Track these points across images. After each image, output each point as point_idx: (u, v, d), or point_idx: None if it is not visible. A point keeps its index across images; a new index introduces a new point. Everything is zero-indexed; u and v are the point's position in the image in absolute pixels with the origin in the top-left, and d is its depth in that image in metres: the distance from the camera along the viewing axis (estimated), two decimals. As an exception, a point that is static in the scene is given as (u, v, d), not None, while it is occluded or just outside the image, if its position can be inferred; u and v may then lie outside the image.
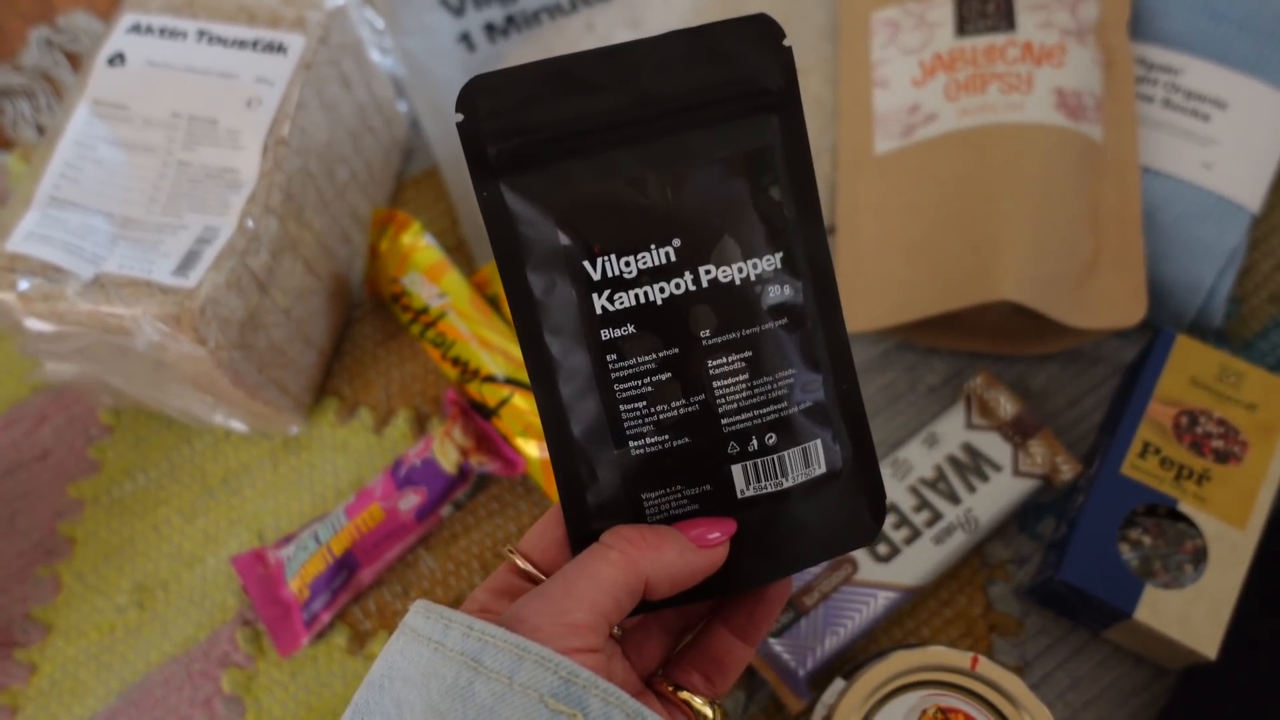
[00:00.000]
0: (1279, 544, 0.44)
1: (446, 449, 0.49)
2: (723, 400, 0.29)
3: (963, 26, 0.54)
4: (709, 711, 0.31)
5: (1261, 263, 0.53)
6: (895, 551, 0.45)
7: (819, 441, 0.30)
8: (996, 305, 0.48)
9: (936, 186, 0.51)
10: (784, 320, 0.29)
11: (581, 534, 0.30)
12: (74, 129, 0.47)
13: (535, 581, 0.30)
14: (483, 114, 0.28)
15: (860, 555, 0.45)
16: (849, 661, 0.45)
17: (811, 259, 0.30)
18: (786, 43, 0.29)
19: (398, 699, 0.25)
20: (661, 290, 0.28)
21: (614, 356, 0.29)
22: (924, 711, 0.36)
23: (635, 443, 0.29)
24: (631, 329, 0.29)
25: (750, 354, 0.29)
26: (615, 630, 0.30)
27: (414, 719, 0.25)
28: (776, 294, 0.29)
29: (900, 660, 0.37)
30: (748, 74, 0.29)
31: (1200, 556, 0.42)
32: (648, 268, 0.28)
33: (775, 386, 0.29)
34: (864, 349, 0.52)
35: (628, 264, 0.28)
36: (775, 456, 0.29)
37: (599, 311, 0.29)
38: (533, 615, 0.26)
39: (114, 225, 0.45)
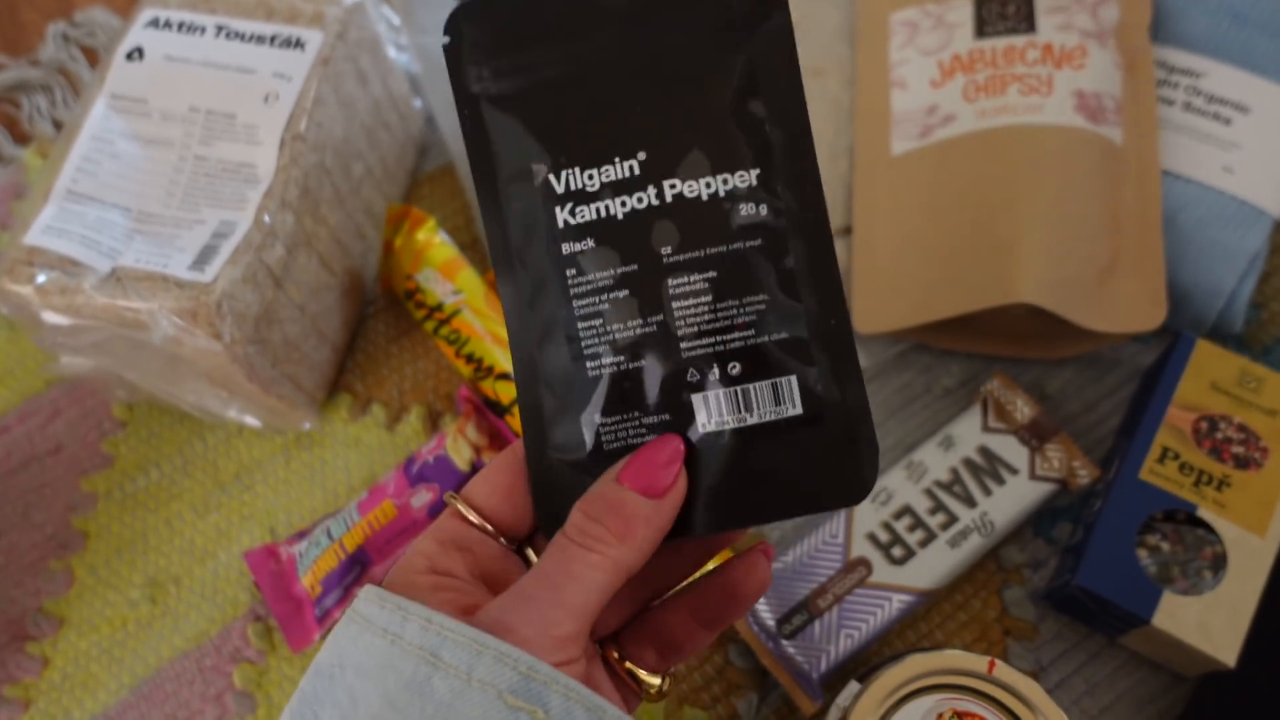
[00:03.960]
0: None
1: (459, 446, 0.49)
2: (682, 323, 0.28)
3: (982, 28, 0.53)
4: (655, 680, 0.30)
5: (1282, 268, 0.53)
6: (910, 554, 0.45)
7: (793, 379, 0.28)
8: (1014, 308, 0.48)
9: (954, 188, 0.50)
10: (757, 241, 0.28)
11: (540, 461, 0.29)
12: (92, 123, 0.47)
13: (482, 530, 0.29)
14: (467, 38, 0.29)
15: (875, 558, 0.45)
16: (863, 664, 0.45)
17: (796, 180, 0.28)
18: None
19: (351, 690, 0.25)
20: (623, 204, 0.28)
21: (573, 271, 0.28)
22: (940, 715, 0.35)
23: (591, 364, 0.28)
24: (591, 243, 0.28)
25: (714, 274, 0.27)
26: None
27: (369, 712, 0.24)
28: (749, 213, 0.28)
29: (916, 663, 0.36)
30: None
31: (1219, 563, 0.42)
32: (610, 180, 0.28)
33: (742, 312, 0.27)
34: (880, 350, 0.52)
35: (590, 176, 0.28)
36: (739, 389, 0.28)
37: (561, 225, 0.28)
38: (521, 626, 0.25)
39: (131, 219, 0.45)
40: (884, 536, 0.46)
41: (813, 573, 0.45)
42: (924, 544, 0.45)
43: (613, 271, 0.28)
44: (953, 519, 0.46)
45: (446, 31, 0.29)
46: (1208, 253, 0.49)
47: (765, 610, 0.45)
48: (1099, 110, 0.50)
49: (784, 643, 0.44)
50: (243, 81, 0.47)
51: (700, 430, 0.28)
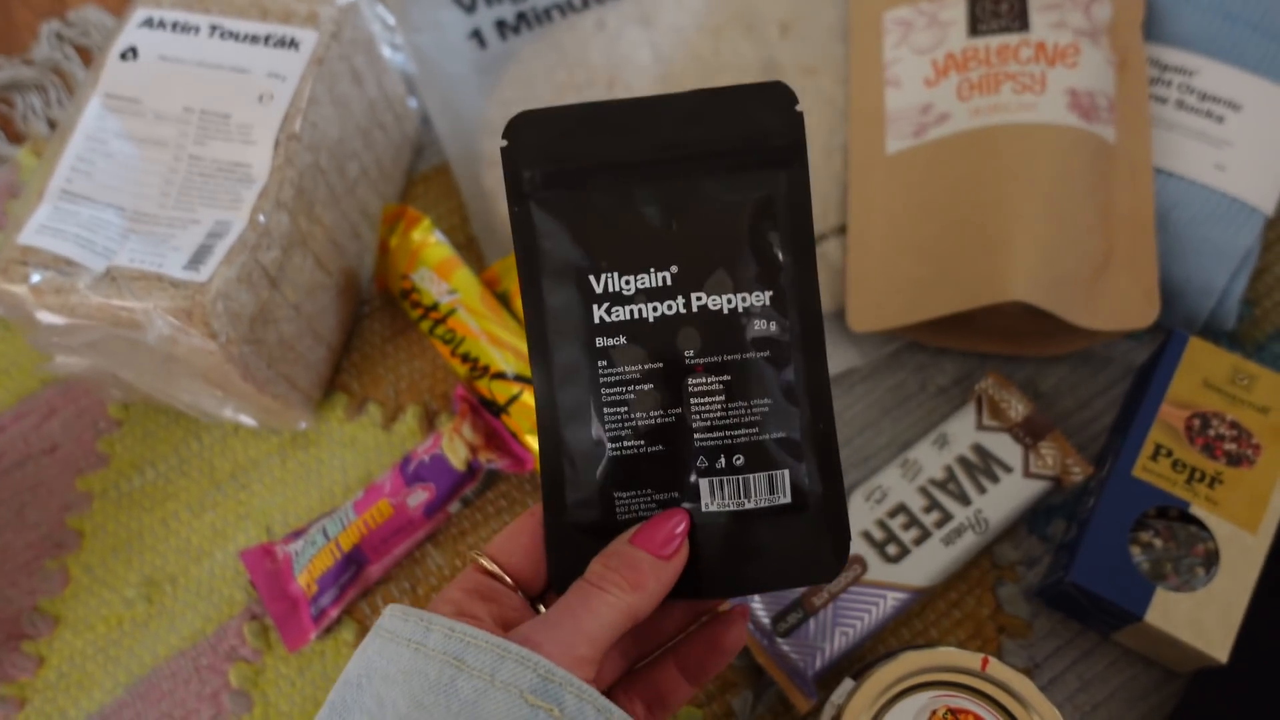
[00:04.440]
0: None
1: (455, 445, 0.49)
2: (697, 416, 0.31)
3: (975, 26, 0.53)
4: None
5: (1275, 265, 0.53)
6: (904, 552, 0.45)
7: (786, 472, 0.32)
8: (1007, 306, 0.48)
9: (948, 186, 0.51)
10: (766, 353, 0.32)
11: (558, 525, 0.32)
12: (86, 123, 0.47)
13: (502, 582, 0.31)
14: (523, 143, 0.32)
15: (870, 556, 0.45)
16: (857, 662, 0.45)
17: (800, 302, 0.32)
18: (799, 108, 0.32)
19: (378, 696, 0.26)
20: (654, 309, 0.32)
21: (604, 363, 0.32)
22: (934, 712, 0.35)
23: (613, 444, 0.32)
24: (623, 340, 0.32)
25: (729, 378, 0.31)
26: None
27: (397, 714, 0.26)
28: (761, 328, 0.32)
29: (910, 661, 0.37)
30: (761, 132, 0.32)
31: (1212, 559, 0.42)
32: (645, 288, 0.32)
33: (749, 412, 0.31)
34: (873, 349, 0.52)
35: (627, 282, 0.32)
36: (740, 477, 0.32)
37: (596, 321, 0.32)
38: (546, 642, 0.28)
39: (125, 219, 0.45)
40: (878, 534, 0.46)
41: (807, 570, 0.45)
42: (918, 542, 0.45)
43: (640, 367, 0.32)
44: (947, 517, 0.46)
45: (505, 135, 0.32)
46: (1200, 250, 0.49)
47: (760, 608, 0.45)
48: (1092, 108, 0.50)
49: (779, 640, 0.44)
50: (237, 81, 0.47)
51: (704, 509, 0.32)
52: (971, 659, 0.36)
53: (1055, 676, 0.45)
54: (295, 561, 0.48)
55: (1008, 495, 0.46)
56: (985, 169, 0.50)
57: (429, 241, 0.52)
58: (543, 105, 0.57)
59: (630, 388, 0.32)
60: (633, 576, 0.30)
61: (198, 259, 0.43)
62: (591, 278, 0.32)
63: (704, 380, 0.31)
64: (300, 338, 0.49)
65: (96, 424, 0.54)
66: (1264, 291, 0.52)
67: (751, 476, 0.32)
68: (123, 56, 0.48)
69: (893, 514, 0.46)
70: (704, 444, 0.32)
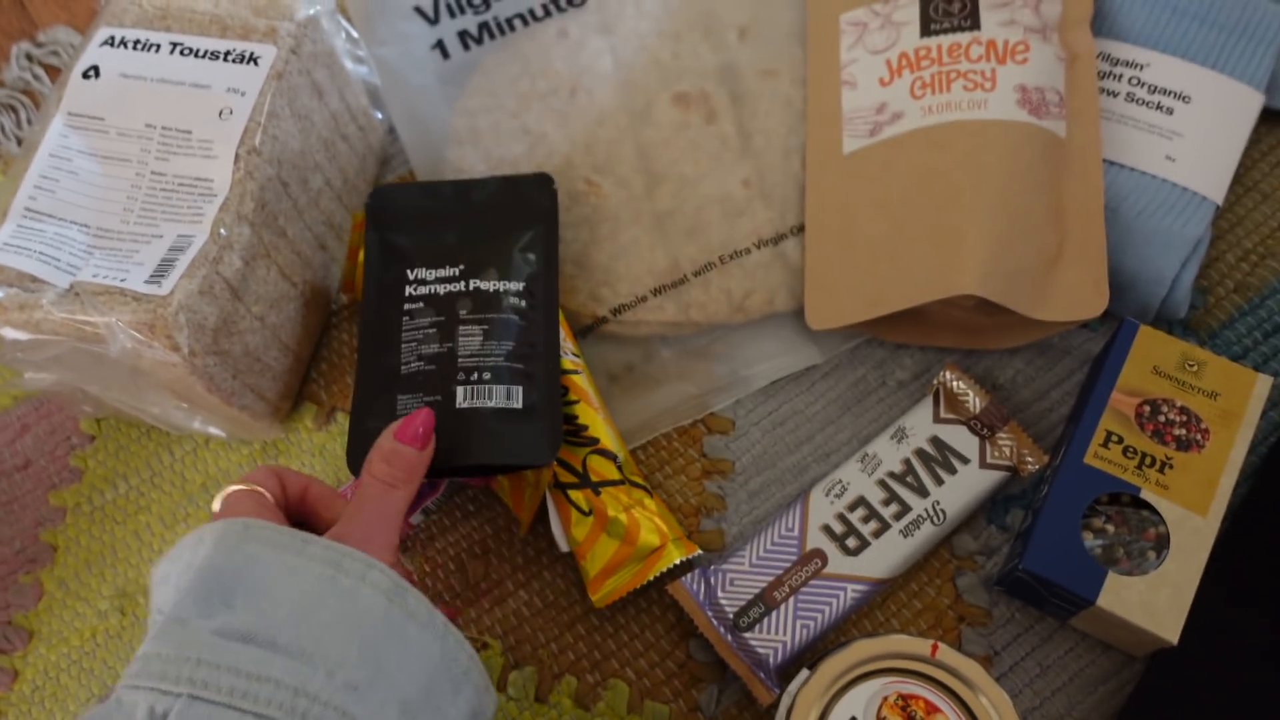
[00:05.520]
0: (1240, 529, 0.45)
1: (421, 451, 0.50)
2: (462, 348, 0.46)
3: (928, 26, 0.54)
4: None
5: (1227, 254, 0.54)
6: (864, 545, 0.46)
7: (520, 389, 0.46)
8: (962, 300, 0.49)
9: (902, 184, 0.51)
10: (515, 316, 0.47)
11: (360, 424, 0.46)
12: (49, 141, 0.48)
13: (264, 499, 0.38)
14: (381, 205, 0.51)
15: (830, 549, 0.46)
16: (818, 654, 0.46)
17: (544, 293, 0.48)
18: (555, 187, 0.51)
19: (261, 583, 0.33)
20: (444, 288, 0.48)
21: (408, 318, 0.47)
22: (885, 699, 0.36)
23: (405, 365, 0.46)
24: (421, 305, 0.48)
25: (486, 328, 0.46)
26: None
27: (287, 597, 0.33)
28: (515, 302, 0.47)
29: (862, 649, 0.37)
30: (529, 198, 0.51)
31: (1162, 543, 0.43)
32: (439, 277, 0.48)
33: (498, 348, 0.46)
34: (833, 345, 0.53)
35: (430, 274, 0.48)
36: (485, 386, 0.45)
37: (407, 295, 0.48)
38: (365, 543, 0.36)
39: (89, 235, 0.46)
40: (838, 528, 0.46)
41: (769, 566, 0.46)
42: (877, 534, 0.46)
43: (429, 319, 0.47)
44: (905, 509, 0.46)
45: (370, 201, 0.51)
46: (1150, 241, 0.50)
47: (724, 603, 0.45)
48: (1042, 104, 0.51)
49: (741, 635, 0.45)
50: (198, 97, 0.48)
51: (458, 405, 0.45)
52: (921, 645, 0.37)
53: (1015, 663, 0.46)
54: (265, 569, 0.49)
55: (965, 486, 0.47)
56: (938, 166, 0.51)
57: (393, 250, 0.53)
58: (508, 113, 0.58)
59: (421, 330, 0.47)
60: (407, 471, 0.40)
61: (160, 273, 0.44)
62: (409, 271, 0.48)
63: (469, 328, 0.46)
64: (266, 349, 0.50)
65: (69, 439, 0.54)
66: (1217, 280, 0.53)
67: (492, 386, 0.45)
68: (85, 75, 0.49)
69: (852, 508, 0.47)
70: (464, 365, 0.46)
